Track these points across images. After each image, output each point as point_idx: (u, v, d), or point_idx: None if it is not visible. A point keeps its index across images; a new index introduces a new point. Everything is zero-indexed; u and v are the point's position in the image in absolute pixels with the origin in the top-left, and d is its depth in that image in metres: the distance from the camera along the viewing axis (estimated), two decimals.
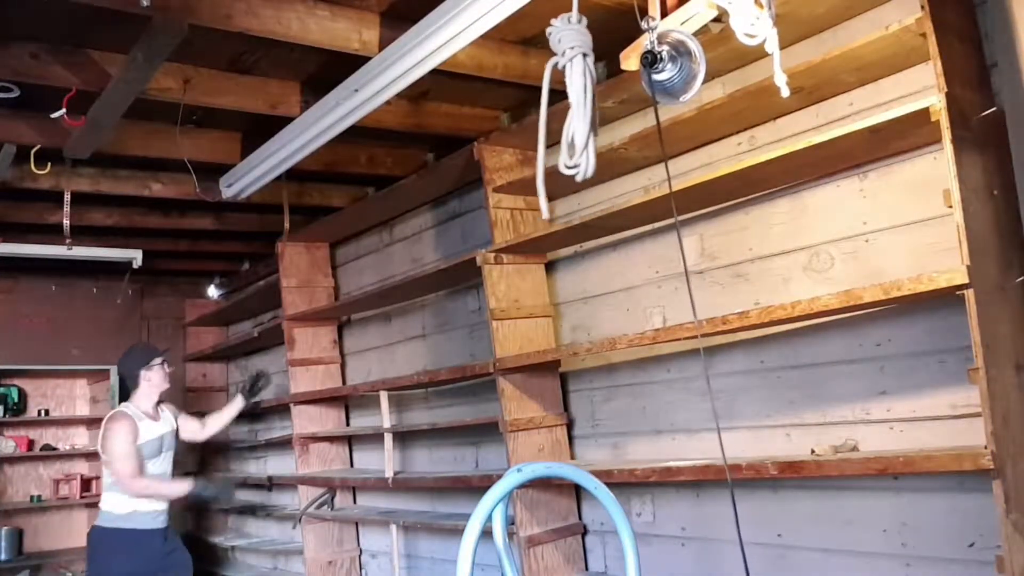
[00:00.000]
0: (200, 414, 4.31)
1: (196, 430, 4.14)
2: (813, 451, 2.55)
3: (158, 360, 3.82)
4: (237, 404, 4.31)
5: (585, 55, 1.73)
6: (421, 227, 4.51)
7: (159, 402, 3.87)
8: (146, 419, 3.72)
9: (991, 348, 1.94)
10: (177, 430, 3.95)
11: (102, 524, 3.67)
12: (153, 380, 3.80)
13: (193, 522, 6.29)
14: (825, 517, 2.61)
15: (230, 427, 6.21)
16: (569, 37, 1.74)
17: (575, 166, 1.74)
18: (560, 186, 3.50)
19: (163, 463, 3.79)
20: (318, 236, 4.99)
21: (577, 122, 1.72)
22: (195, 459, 6.32)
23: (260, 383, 4.33)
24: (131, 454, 3.60)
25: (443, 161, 3.88)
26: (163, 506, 3.74)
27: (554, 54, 1.77)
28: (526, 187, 3.51)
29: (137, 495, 3.60)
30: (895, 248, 2.46)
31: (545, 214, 1.84)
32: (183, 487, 3.73)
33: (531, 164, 3.59)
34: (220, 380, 6.61)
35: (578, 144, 1.71)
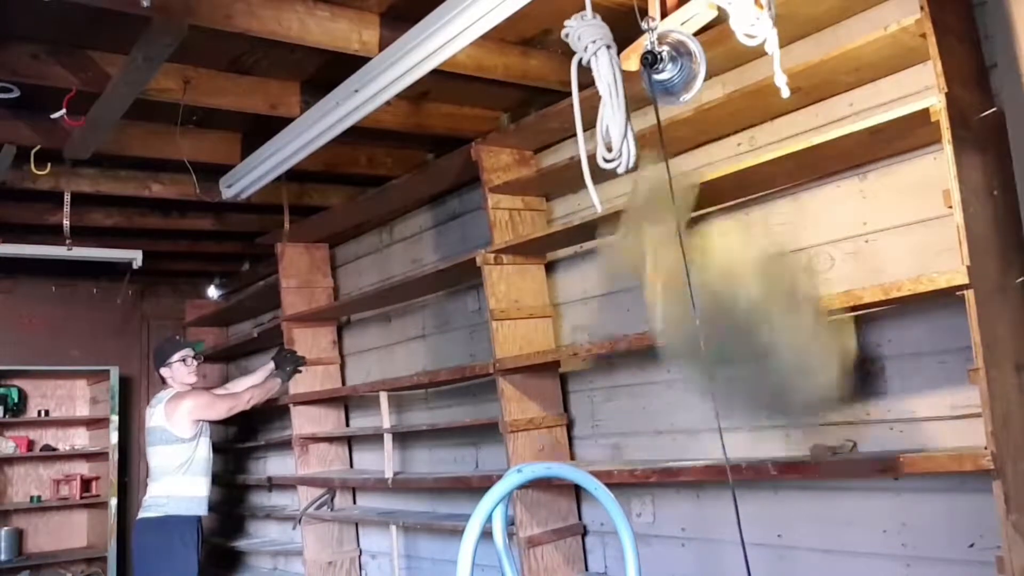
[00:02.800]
0: None
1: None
2: (811, 452, 2.55)
3: (177, 357, 3.93)
4: (265, 372, 4.50)
5: (608, 47, 1.73)
6: (421, 227, 4.51)
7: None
8: None
9: (991, 348, 1.93)
10: None
11: (168, 513, 3.71)
12: (175, 376, 3.94)
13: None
14: (825, 517, 2.61)
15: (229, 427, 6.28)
16: (589, 32, 1.73)
17: (615, 159, 1.72)
18: (560, 186, 3.50)
19: (207, 448, 3.96)
20: (309, 236, 4.96)
21: (611, 114, 1.70)
22: None
23: (300, 368, 4.61)
24: (214, 399, 3.93)
25: (439, 161, 3.87)
26: (207, 492, 3.91)
27: (572, 53, 1.75)
28: (524, 187, 3.51)
29: (248, 406, 4.00)
30: (895, 248, 2.46)
31: (598, 207, 1.83)
32: (266, 369, 4.21)
33: (528, 164, 3.59)
34: (220, 381, 6.59)
35: (615, 136, 1.70)
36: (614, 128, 1.69)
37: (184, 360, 3.94)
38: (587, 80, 1.78)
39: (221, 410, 3.97)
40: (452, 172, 3.85)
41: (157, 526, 3.71)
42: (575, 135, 1.77)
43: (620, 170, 1.73)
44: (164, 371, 3.93)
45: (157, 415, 3.83)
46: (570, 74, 1.75)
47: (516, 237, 3.43)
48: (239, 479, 5.97)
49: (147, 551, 3.74)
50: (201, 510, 3.82)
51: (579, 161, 1.75)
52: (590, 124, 1.77)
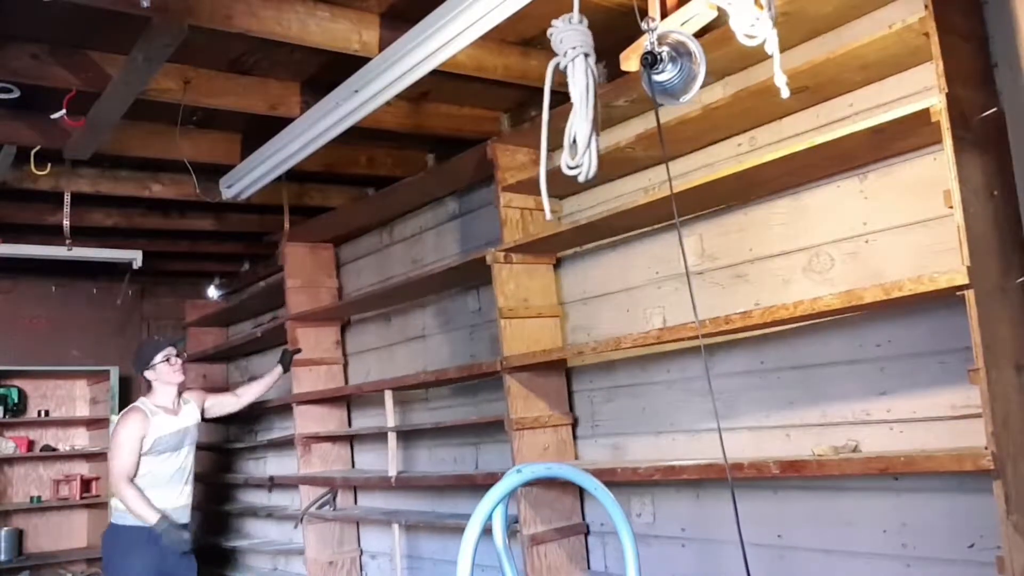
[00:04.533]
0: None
1: (231, 403, 4.27)
2: (813, 452, 2.56)
3: (159, 358, 3.77)
4: (276, 372, 4.44)
5: (587, 55, 1.73)
6: (422, 227, 4.51)
7: (180, 393, 3.87)
8: (162, 413, 3.73)
9: (991, 349, 1.93)
10: (202, 418, 4.00)
11: (118, 522, 3.65)
12: (161, 377, 3.78)
13: (192, 521, 6.29)
14: (825, 517, 2.61)
15: (232, 429, 6.28)
16: (570, 37, 1.74)
17: (577, 167, 1.74)
18: (564, 186, 3.50)
19: (182, 458, 3.79)
20: (315, 236, 4.96)
21: (579, 122, 1.71)
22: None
23: (291, 355, 4.53)
24: (130, 452, 3.59)
25: (452, 160, 3.84)
26: (183, 503, 3.77)
27: (555, 55, 1.76)
28: (536, 187, 3.50)
29: (118, 496, 3.60)
30: (895, 249, 2.46)
31: (548, 215, 1.84)
32: (153, 517, 3.53)
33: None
34: (220, 381, 6.60)
35: (580, 144, 1.71)
36: (580, 136, 1.70)
37: (168, 359, 3.77)
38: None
39: (120, 480, 3.59)
40: (466, 171, 3.82)
41: (112, 533, 3.69)
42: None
43: (580, 179, 1.74)
44: (149, 374, 3.75)
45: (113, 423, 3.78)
46: (565, 75, 1.75)
47: (526, 236, 3.43)
48: (237, 479, 5.98)
49: (104, 555, 3.76)
50: (139, 520, 3.62)
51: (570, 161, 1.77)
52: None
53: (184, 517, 3.77)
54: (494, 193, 3.51)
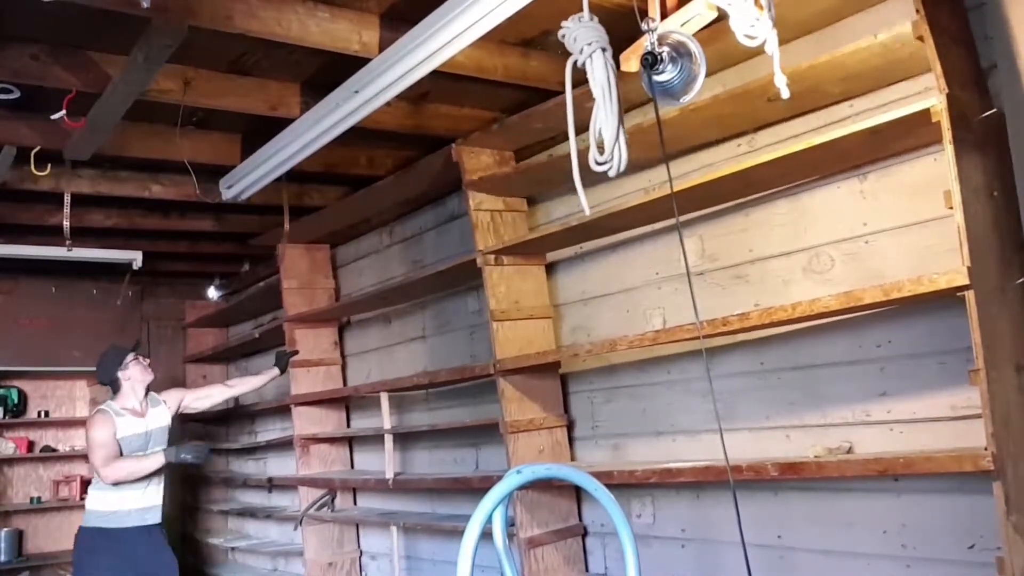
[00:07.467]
0: None
1: (220, 393, 4.29)
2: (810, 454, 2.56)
3: (130, 357, 3.82)
4: (272, 373, 4.44)
5: (604, 49, 1.73)
6: (421, 228, 4.51)
7: (147, 395, 3.86)
8: (127, 415, 3.73)
9: (991, 349, 1.93)
10: (182, 417, 4.03)
11: (85, 524, 3.68)
12: (134, 377, 3.81)
13: (192, 523, 6.30)
14: (825, 518, 2.61)
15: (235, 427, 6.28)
16: (585, 34, 1.74)
17: (606, 162, 1.72)
18: (551, 187, 3.50)
19: None
20: (303, 237, 4.96)
21: (604, 117, 1.70)
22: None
23: (288, 357, 4.52)
24: (106, 443, 3.63)
25: (420, 162, 3.86)
26: (150, 503, 3.74)
27: (569, 55, 1.75)
28: (504, 187, 3.50)
29: (116, 480, 3.61)
30: (895, 249, 2.46)
31: (586, 210, 1.83)
32: (158, 459, 3.63)
33: (508, 164, 3.59)
34: (220, 381, 6.59)
35: (607, 139, 1.70)
36: (607, 131, 1.70)
37: (137, 359, 3.84)
38: (576, 81, 1.77)
39: (107, 465, 3.62)
40: (432, 173, 3.84)
41: (79, 536, 3.72)
42: (558, 137, 1.77)
43: (611, 173, 1.73)
44: (122, 374, 3.77)
45: None
46: (560, 76, 1.75)
47: (498, 239, 3.44)
48: (236, 479, 5.98)
49: (73, 557, 3.79)
50: (103, 522, 3.67)
51: (559, 159, 1.76)
52: (580, 128, 1.76)
53: (155, 518, 3.76)
54: (463, 195, 3.50)
